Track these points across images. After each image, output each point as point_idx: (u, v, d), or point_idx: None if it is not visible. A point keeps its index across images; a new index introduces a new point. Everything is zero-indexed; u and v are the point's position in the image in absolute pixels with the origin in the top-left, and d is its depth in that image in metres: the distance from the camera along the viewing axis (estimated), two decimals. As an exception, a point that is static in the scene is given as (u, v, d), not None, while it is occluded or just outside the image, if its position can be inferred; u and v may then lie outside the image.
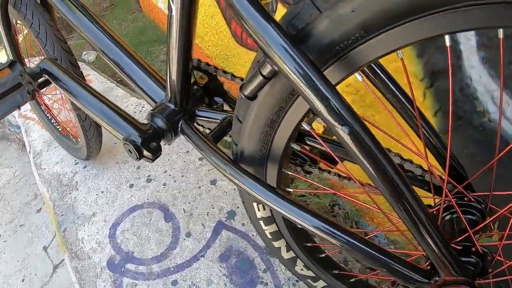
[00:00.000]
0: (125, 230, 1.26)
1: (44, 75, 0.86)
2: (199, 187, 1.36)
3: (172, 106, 0.73)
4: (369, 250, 0.50)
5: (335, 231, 0.51)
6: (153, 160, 0.71)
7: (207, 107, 0.79)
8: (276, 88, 0.49)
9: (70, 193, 1.45)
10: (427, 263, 0.55)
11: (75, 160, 1.59)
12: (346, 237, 0.51)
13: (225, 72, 0.73)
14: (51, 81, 0.85)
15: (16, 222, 1.63)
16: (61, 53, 1.10)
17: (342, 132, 0.41)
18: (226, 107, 0.81)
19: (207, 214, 1.25)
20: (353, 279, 0.84)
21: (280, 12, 1.20)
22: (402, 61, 0.58)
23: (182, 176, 1.41)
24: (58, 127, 1.58)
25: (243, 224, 1.20)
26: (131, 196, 1.38)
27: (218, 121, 0.75)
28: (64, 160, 1.60)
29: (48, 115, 1.57)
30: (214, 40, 1.87)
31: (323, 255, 0.83)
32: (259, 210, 0.75)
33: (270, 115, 0.53)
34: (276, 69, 0.42)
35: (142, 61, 0.82)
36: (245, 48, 1.63)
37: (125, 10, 3.14)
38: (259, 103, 0.52)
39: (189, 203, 1.30)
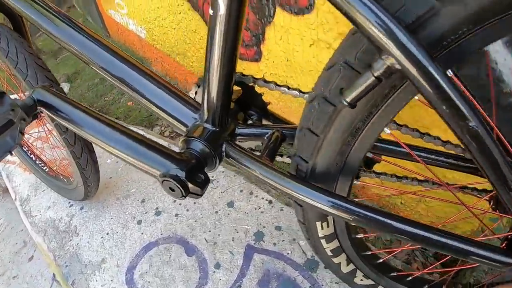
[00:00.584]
0: (144, 273, 1.12)
1: (39, 107, 0.72)
2: (216, 212, 1.25)
3: (211, 127, 0.63)
4: (456, 243, 0.47)
5: (425, 233, 0.48)
6: (201, 195, 0.61)
7: (243, 123, 0.70)
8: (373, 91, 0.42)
9: (71, 240, 1.29)
10: (503, 245, 0.56)
11: (69, 202, 1.43)
12: (436, 237, 0.48)
13: (266, 81, 0.64)
14: (49, 114, 0.72)
15: (9, 274, 1.44)
16: (45, 83, 0.97)
17: (469, 129, 0.38)
18: (264, 121, 0.72)
19: (233, 240, 1.15)
20: (410, 278, 0.82)
21: (278, 17, 1.13)
22: (486, 54, 0.55)
23: (195, 203, 1.30)
24: (44, 168, 1.41)
25: (274, 244, 1.11)
26: (142, 233, 1.24)
27: (263, 138, 0.66)
28: (56, 204, 1.43)
29: (31, 155, 1.41)
30: (199, 55, 1.78)
31: (381, 260, 0.81)
32: (322, 229, 0.67)
33: (357, 122, 0.45)
34: (399, 67, 0.36)
35: (159, 78, 0.70)
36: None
37: (91, 35, 2.97)
38: (347, 111, 0.44)
39: (210, 231, 1.19)
